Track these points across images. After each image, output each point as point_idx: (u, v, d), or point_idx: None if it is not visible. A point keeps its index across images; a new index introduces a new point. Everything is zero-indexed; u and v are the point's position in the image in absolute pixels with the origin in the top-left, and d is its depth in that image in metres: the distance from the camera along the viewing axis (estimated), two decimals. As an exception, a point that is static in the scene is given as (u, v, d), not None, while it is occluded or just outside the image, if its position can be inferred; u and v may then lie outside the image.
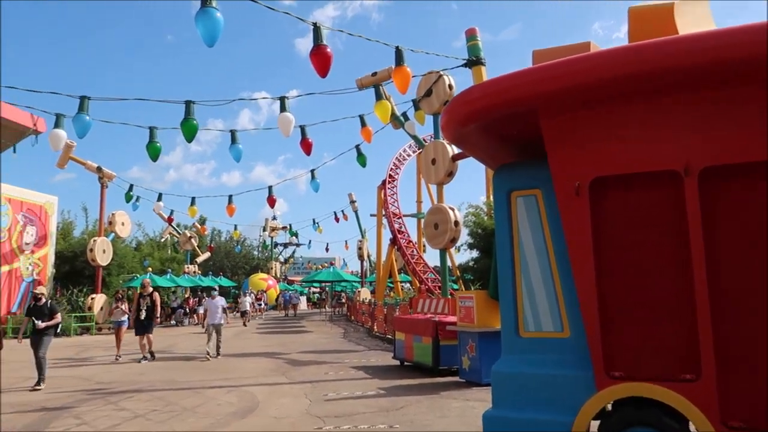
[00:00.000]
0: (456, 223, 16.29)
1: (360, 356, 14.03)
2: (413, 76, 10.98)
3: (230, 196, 20.71)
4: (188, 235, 39.92)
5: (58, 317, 10.33)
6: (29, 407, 8.26)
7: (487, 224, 30.30)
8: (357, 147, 18.55)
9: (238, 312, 30.10)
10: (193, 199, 21.61)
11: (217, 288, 19.01)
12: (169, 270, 31.92)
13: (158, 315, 14.89)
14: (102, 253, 26.49)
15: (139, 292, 14.60)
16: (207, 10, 7.51)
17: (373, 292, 35.49)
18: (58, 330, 11.09)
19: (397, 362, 11.98)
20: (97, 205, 27.52)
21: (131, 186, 23.88)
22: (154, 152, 12.35)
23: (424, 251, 36.25)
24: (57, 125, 11.76)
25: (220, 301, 15.27)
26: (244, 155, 13.46)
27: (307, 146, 14.45)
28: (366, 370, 11.19)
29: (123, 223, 28.89)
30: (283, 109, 11.46)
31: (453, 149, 16.98)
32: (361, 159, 18.35)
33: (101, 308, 26.02)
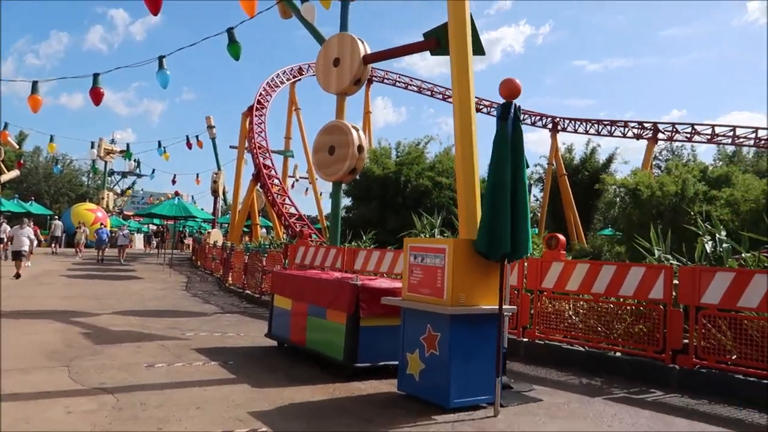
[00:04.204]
0: (360, 148, 11.97)
1: (210, 324, 9.39)
2: None
3: (34, 83, 14.35)
4: (-11, 145, 31.22)
5: None
6: None
7: (365, 168, 26.40)
8: (229, 31, 13.30)
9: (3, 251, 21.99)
10: (-25, 80, 14.80)
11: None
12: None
13: None
14: None
15: None
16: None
17: (226, 235, 30.25)
18: None
19: (274, 343, 7.55)
20: None
21: None
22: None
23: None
24: None
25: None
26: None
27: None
28: (223, 358, 6.64)
29: None
30: None
31: (365, 47, 12.49)
32: (234, 48, 13.17)
33: None
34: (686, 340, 6.33)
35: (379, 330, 6.06)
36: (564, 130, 38.27)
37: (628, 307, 7.19)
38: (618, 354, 7.04)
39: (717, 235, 7.61)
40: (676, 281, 6.58)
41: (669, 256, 8.02)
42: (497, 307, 5.01)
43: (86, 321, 9.00)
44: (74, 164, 48.31)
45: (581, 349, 7.36)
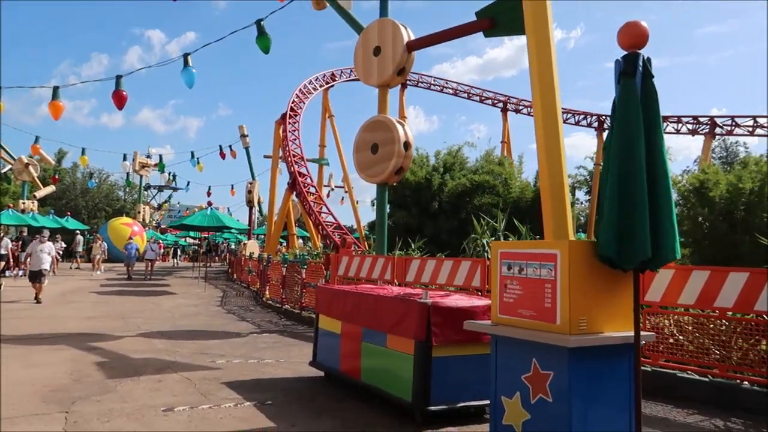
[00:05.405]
0: (407, 145, 10.71)
1: (245, 347, 8.18)
2: None
3: (56, 88, 13.58)
4: (25, 161, 31.07)
5: None
6: None
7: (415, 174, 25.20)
8: (258, 23, 12.24)
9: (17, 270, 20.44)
10: (-2, 89, 14.13)
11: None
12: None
13: None
14: None
15: None
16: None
17: (263, 247, 29.31)
18: None
19: (320, 373, 6.28)
20: None
21: None
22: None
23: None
24: None
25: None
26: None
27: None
28: (259, 396, 5.40)
29: None
30: None
31: (409, 33, 11.25)
32: (263, 41, 12.11)
33: None
34: None
35: (456, 361, 4.73)
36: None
37: (750, 323, 5.73)
38: (746, 384, 5.57)
39: None
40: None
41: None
42: (631, 333, 3.63)
43: (105, 346, 7.90)
44: (111, 179, 48.40)
45: (699, 378, 5.88)
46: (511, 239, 9.96)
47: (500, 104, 39.44)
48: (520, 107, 38.88)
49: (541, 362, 3.66)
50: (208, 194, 42.54)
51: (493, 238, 9.95)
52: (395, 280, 9.27)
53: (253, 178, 33.79)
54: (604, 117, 36.57)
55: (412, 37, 10.90)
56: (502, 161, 28.76)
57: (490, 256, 9.97)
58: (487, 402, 4.72)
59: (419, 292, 5.36)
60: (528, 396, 3.74)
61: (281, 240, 31.22)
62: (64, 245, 26.30)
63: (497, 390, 3.97)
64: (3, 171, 36.92)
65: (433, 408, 4.58)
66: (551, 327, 3.60)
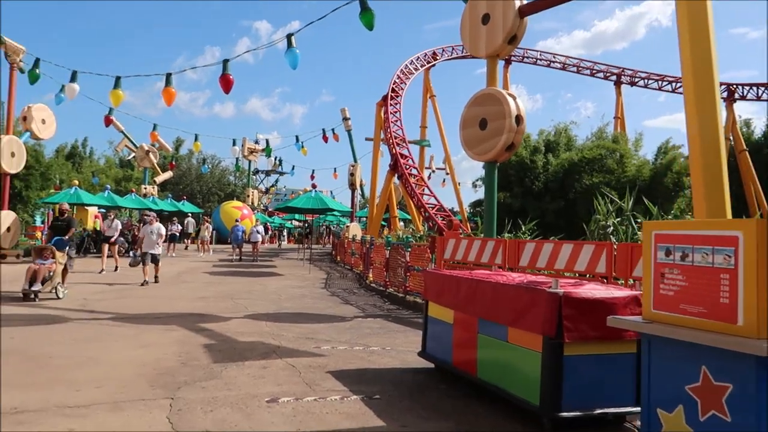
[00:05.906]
0: (518, 119, 9.90)
1: (350, 333, 7.88)
2: None
3: (168, 75, 14.06)
4: (146, 148, 33.11)
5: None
6: None
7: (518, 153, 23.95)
8: (360, -2, 11.81)
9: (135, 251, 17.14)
10: (118, 79, 14.84)
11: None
12: (107, 186, 25.23)
13: None
14: (10, 157, 19.84)
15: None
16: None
17: (364, 229, 29.39)
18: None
19: (428, 364, 5.80)
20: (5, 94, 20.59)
21: (37, 61, 16.96)
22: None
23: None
24: None
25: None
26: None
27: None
28: (366, 389, 5.02)
29: (44, 120, 21.99)
30: None
31: (521, -3, 10.39)
32: (367, 16, 11.66)
33: (8, 229, 19.71)
34: None
35: (592, 361, 4.05)
36: (744, 98, 32.73)
37: None
38: None
39: None
40: None
41: None
42: (841, 340, 2.79)
43: (213, 327, 7.91)
44: (222, 165, 50.81)
45: None
46: (640, 220, 8.92)
47: (613, 77, 36.81)
48: (636, 79, 36.07)
49: (715, 371, 2.93)
50: (312, 177, 43.44)
51: (618, 219, 8.96)
52: (506, 265, 8.60)
53: (355, 160, 33.94)
54: (735, 86, 33.08)
55: (525, 1, 10.03)
56: (616, 138, 26.83)
57: (615, 239, 9.03)
58: (629, 410, 4.06)
59: (544, 279, 4.70)
60: (695, 411, 3.01)
61: (383, 222, 31.19)
62: (180, 227, 27.77)
63: (651, 400, 3.27)
64: (127, 158, 39.75)
65: (564, 414, 3.94)
66: (730, 328, 2.85)
